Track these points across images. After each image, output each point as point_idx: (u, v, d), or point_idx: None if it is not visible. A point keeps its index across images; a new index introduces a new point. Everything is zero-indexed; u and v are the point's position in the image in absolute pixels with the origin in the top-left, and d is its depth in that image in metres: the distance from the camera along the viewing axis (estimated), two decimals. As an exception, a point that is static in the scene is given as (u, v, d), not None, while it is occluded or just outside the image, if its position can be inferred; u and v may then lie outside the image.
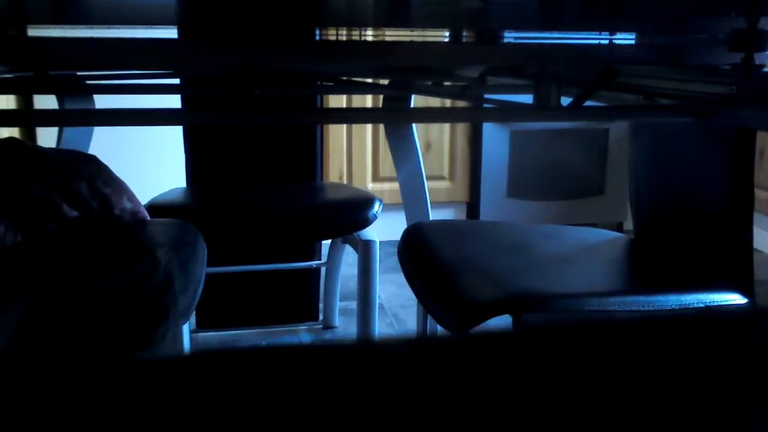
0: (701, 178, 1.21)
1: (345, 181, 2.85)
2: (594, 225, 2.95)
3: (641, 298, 1.06)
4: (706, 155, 1.19)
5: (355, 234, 1.63)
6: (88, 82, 1.38)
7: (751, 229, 1.14)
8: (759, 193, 2.71)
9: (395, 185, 2.71)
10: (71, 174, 1.30)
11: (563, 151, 2.98)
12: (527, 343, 0.39)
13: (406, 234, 1.36)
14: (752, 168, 1.12)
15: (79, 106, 1.60)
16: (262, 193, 1.76)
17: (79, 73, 1.38)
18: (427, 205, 1.82)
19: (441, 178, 2.92)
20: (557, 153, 2.97)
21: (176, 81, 1.55)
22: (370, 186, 2.86)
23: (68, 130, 1.63)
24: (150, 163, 2.40)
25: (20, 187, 1.24)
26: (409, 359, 0.37)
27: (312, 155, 1.91)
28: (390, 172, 2.81)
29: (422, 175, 1.79)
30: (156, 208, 1.53)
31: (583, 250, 1.31)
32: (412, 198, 1.81)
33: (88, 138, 1.66)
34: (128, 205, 1.37)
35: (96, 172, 1.33)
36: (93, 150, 1.53)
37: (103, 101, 1.54)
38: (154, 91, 1.35)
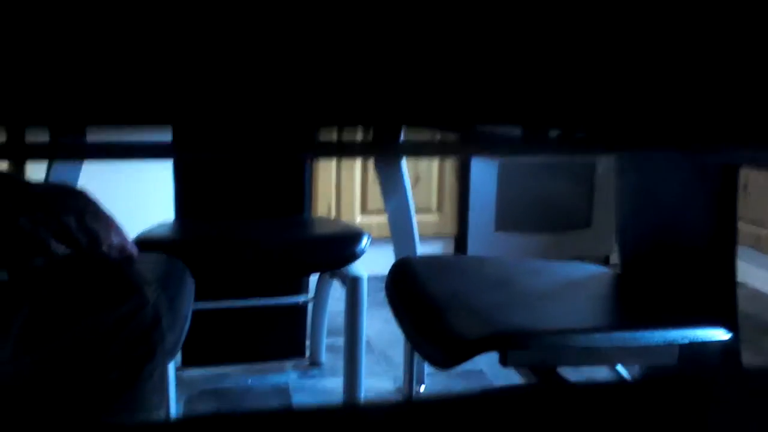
0: (686, 213, 1.22)
1: (333, 214, 2.86)
2: (581, 258, 2.96)
3: (627, 335, 1.06)
4: (691, 190, 1.21)
5: (342, 269, 1.63)
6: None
7: (734, 263, 1.15)
8: (743, 227, 2.73)
9: (384, 218, 2.71)
10: (60, 208, 1.30)
11: (551, 185, 3.00)
12: (514, 407, 0.39)
13: (393, 270, 1.36)
14: (735, 202, 1.14)
15: (70, 140, 1.60)
16: (250, 226, 1.76)
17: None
18: (414, 238, 1.82)
19: (429, 210, 2.93)
20: (545, 186, 2.99)
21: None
22: (359, 219, 2.86)
23: (58, 163, 1.63)
24: (138, 194, 2.40)
25: (7, 222, 1.24)
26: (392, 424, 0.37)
27: (300, 188, 1.92)
28: (379, 205, 2.82)
29: (410, 208, 1.81)
30: (144, 242, 1.53)
31: (569, 285, 1.32)
32: (400, 232, 1.82)
33: (78, 171, 1.66)
34: (116, 240, 1.37)
35: (84, 206, 1.33)
36: (82, 180, 1.54)
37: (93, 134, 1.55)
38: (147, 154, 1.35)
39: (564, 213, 3.05)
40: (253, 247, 1.59)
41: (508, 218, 2.99)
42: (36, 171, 2.24)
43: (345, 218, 2.82)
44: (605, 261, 3.10)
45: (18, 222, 1.26)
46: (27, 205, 1.28)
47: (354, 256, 1.57)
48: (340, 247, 1.59)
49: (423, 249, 1.88)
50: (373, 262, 1.76)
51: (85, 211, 1.33)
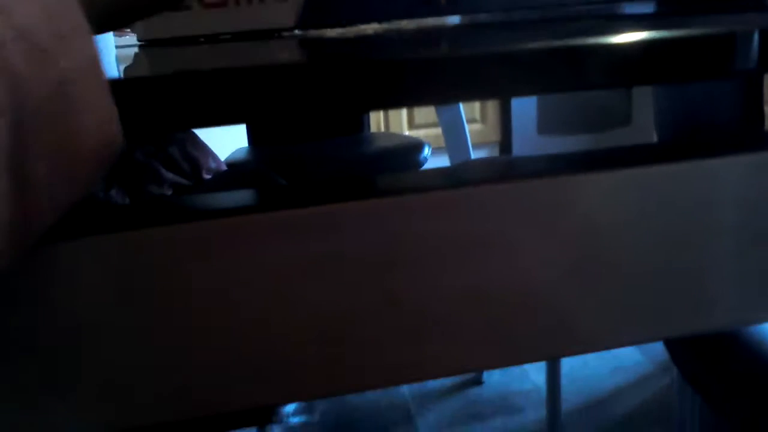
0: (717, 105, 1.36)
1: (383, 129, 3.02)
2: (622, 154, 3.10)
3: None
4: (719, 84, 1.34)
5: (408, 176, 1.80)
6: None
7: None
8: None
9: (431, 131, 2.88)
10: (165, 140, 1.49)
11: (588, 86, 3.11)
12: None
13: (458, 171, 1.53)
14: (761, 92, 1.28)
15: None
16: (319, 146, 1.94)
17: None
18: (468, 145, 1.99)
19: (474, 121, 3.08)
20: (583, 88, 3.10)
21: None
22: (407, 133, 3.03)
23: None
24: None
25: (126, 155, 1.44)
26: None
27: (358, 108, 2.08)
28: (425, 119, 2.97)
29: (462, 117, 1.96)
30: (234, 165, 1.72)
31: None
32: (454, 140, 1.98)
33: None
34: (213, 164, 1.57)
35: (185, 137, 1.52)
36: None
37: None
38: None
39: (604, 112, 3.17)
40: (326, 162, 1.77)
41: (549, 121, 3.12)
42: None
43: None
44: (645, 155, 3.22)
45: (134, 155, 1.45)
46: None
47: (419, 164, 1.75)
48: (407, 157, 1.76)
49: (473, 155, 2.04)
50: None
51: (186, 141, 1.52)
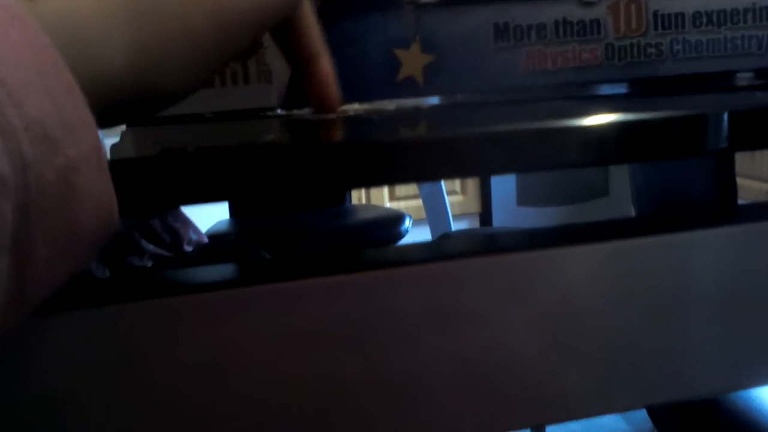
0: (692, 177, 1.39)
1: (364, 202, 3.04)
2: (601, 225, 3.14)
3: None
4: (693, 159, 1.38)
5: (389, 248, 1.81)
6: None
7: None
8: (753, 184, 2.89)
9: (411, 203, 2.90)
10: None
11: (566, 159, 3.17)
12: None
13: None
14: (733, 169, 1.31)
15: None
16: (300, 218, 1.95)
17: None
18: (449, 217, 2.01)
19: (454, 192, 3.11)
20: (561, 160, 3.16)
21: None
22: (388, 205, 3.05)
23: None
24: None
25: None
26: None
27: (339, 180, 2.09)
28: (405, 191, 3.00)
29: (442, 189, 1.99)
30: (215, 237, 1.72)
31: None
32: (435, 211, 2.00)
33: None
34: (194, 236, 1.57)
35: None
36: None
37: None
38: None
39: (582, 184, 3.22)
40: (307, 234, 1.78)
41: (528, 193, 3.16)
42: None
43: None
44: (624, 226, 3.26)
45: (114, 227, 1.45)
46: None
47: (400, 236, 1.76)
48: (386, 229, 1.77)
49: (453, 227, 2.06)
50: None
51: (168, 213, 1.53)
